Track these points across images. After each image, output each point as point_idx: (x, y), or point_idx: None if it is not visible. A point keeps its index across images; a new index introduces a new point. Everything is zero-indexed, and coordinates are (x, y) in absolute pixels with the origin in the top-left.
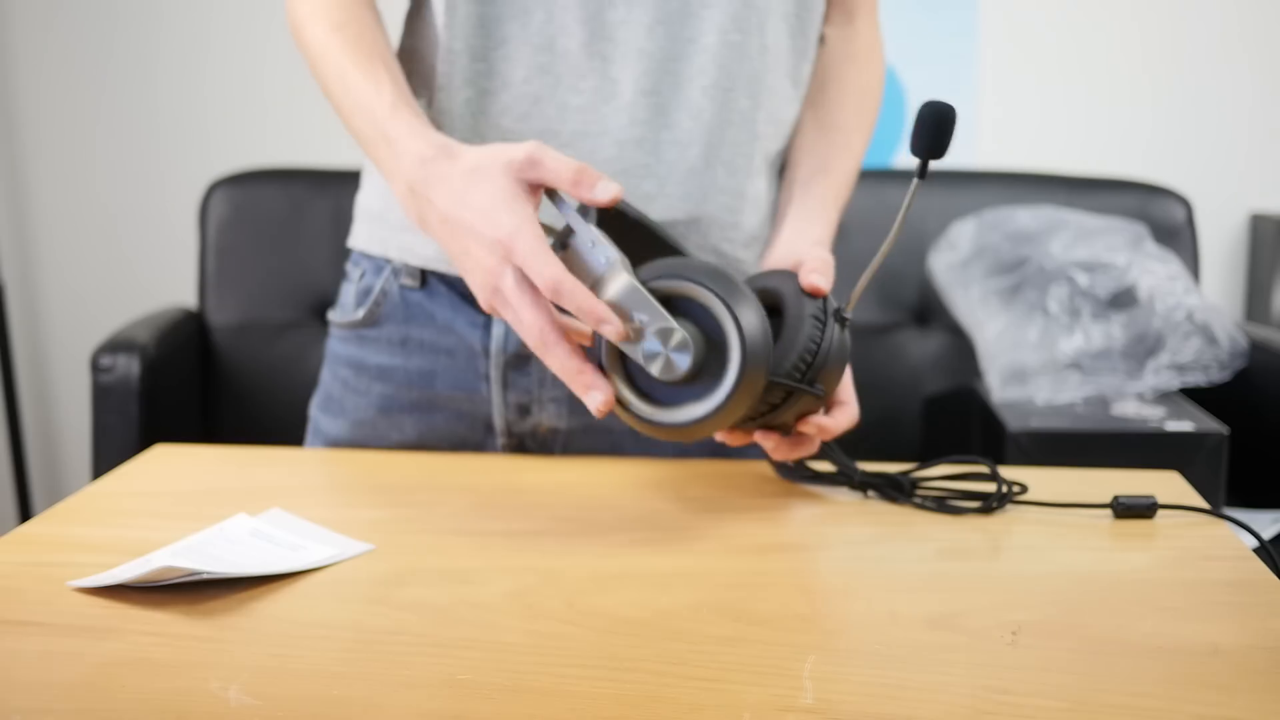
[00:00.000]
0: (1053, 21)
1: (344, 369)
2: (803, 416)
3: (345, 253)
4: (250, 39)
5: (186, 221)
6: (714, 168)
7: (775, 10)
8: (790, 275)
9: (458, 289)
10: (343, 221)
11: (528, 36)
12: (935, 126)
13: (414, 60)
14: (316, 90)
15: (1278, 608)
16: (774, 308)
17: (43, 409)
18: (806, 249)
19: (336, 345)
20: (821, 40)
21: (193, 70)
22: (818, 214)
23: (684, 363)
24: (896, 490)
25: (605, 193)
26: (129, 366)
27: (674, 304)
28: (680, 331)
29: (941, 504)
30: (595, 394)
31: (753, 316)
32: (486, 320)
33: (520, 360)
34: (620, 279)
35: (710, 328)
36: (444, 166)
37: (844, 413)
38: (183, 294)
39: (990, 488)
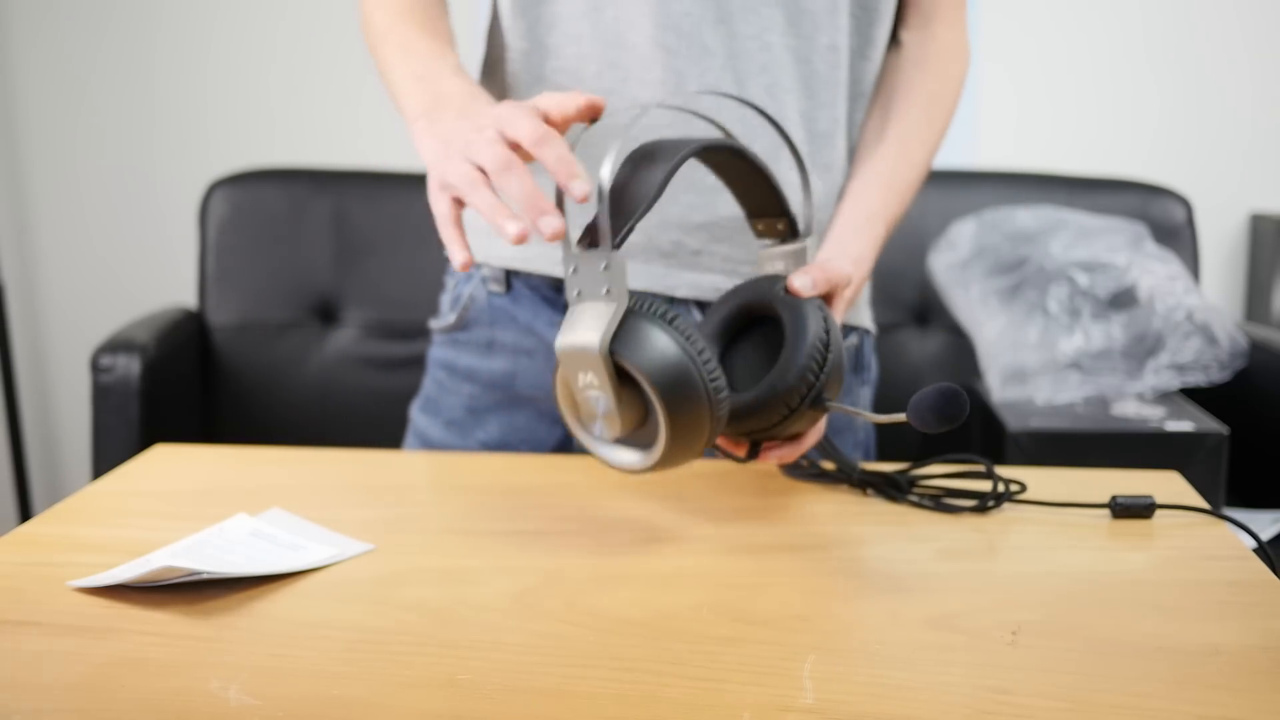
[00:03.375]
0: (1053, 21)
1: (440, 371)
2: (811, 423)
3: (345, 253)
4: (250, 39)
5: (186, 221)
6: (777, 163)
7: (841, 10)
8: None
9: (540, 291)
10: (343, 221)
11: (598, 33)
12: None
13: (494, 70)
14: (317, 90)
15: (1278, 608)
16: (774, 318)
17: (43, 409)
18: (844, 263)
19: (435, 350)
20: (899, 44)
21: (193, 70)
22: (862, 229)
23: (605, 435)
24: (894, 489)
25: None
26: (129, 366)
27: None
28: (608, 403)
29: (938, 502)
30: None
31: (682, 375)
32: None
33: None
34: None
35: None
36: (484, 105)
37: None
38: (183, 294)
39: (988, 486)
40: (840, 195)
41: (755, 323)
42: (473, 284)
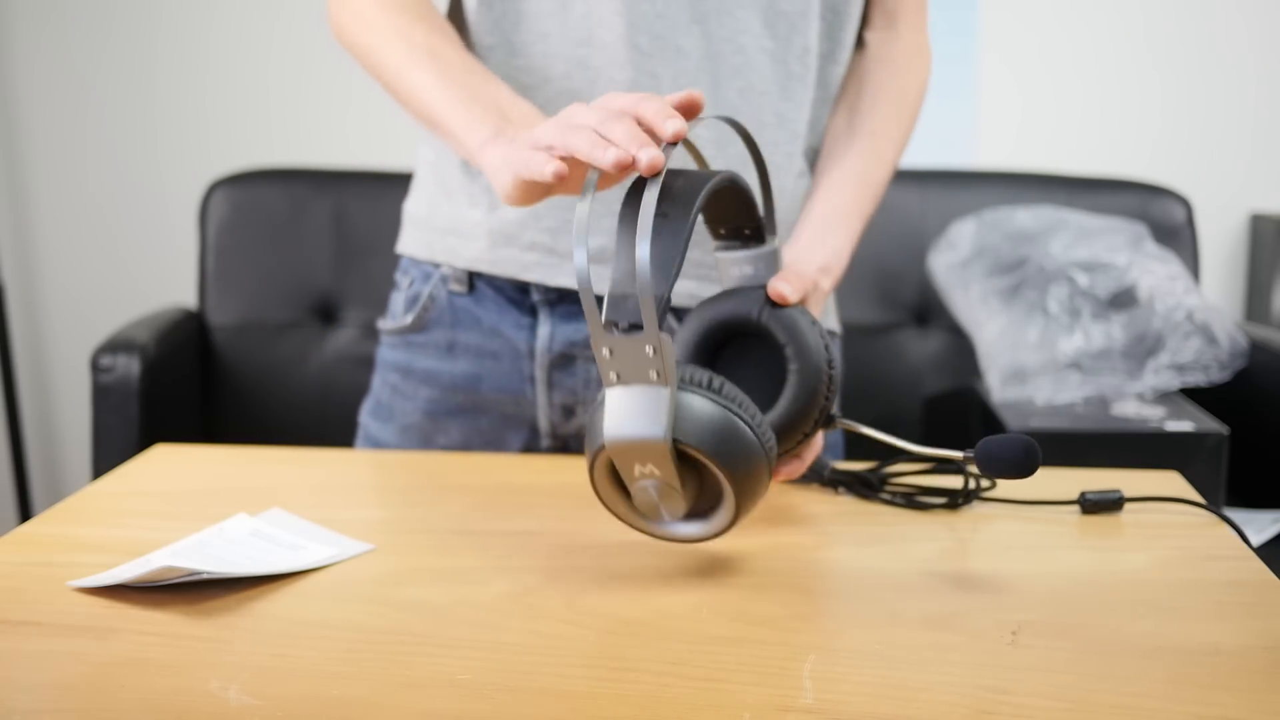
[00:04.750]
0: (1053, 21)
1: (393, 374)
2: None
3: (345, 253)
4: (250, 38)
5: (186, 221)
6: (745, 167)
7: (813, 12)
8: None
9: (505, 292)
10: (343, 221)
11: (567, 31)
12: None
13: None
14: (317, 90)
15: (1278, 608)
16: (764, 333)
17: (43, 409)
18: (820, 257)
19: (386, 352)
20: (863, 45)
21: (193, 70)
22: (839, 222)
23: (670, 518)
24: (865, 487)
25: (671, 129)
26: (129, 366)
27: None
28: (678, 495)
29: (910, 500)
30: (649, 150)
31: (748, 454)
32: (532, 322)
33: (565, 360)
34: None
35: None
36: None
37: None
38: (183, 294)
39: (958, 483)
40: (809, 192)
41: (741, 335)
42: (431, 283)
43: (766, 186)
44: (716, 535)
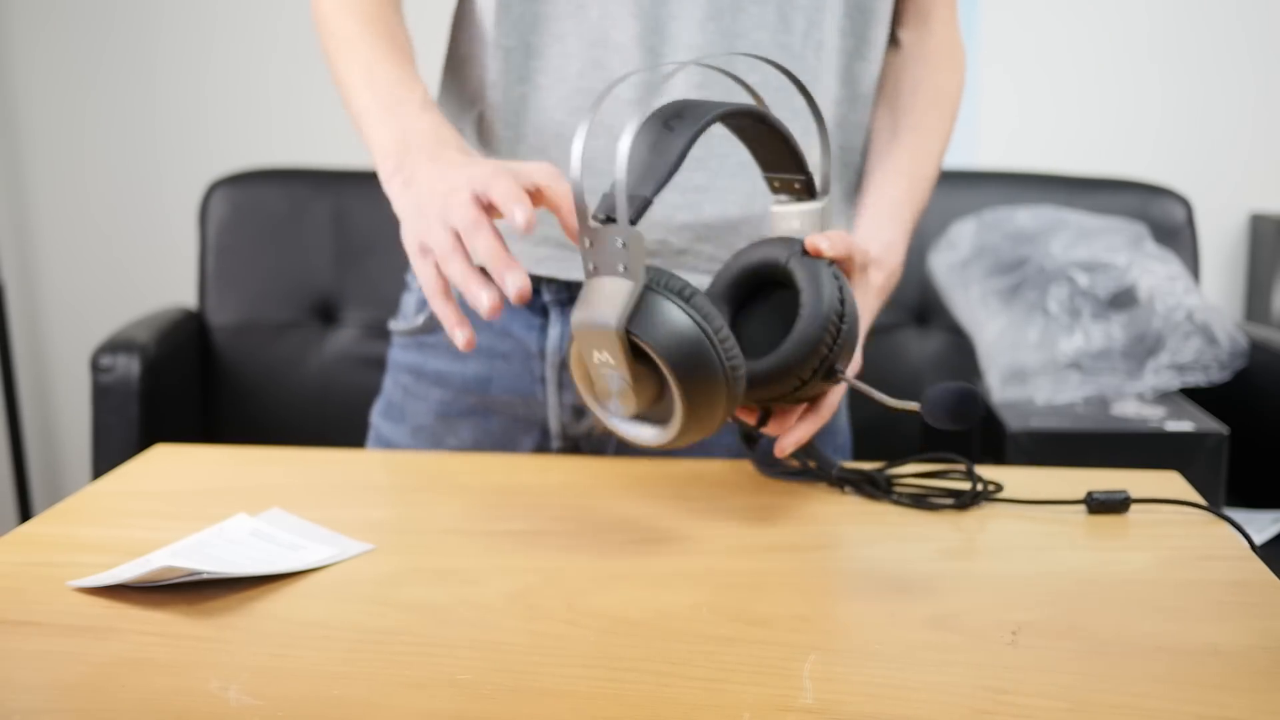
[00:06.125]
0: (1053, 21)
1: (404, 376)
2: (825, 394)
3: (345, 253)
4: (250, 39)
5: (186, 221)
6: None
7: (828, 9)
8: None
9: None
10: (343, 221)
11: (583, 32)
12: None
13: (465, 66)
14: (317, 90)
15: (1278, 608)
16: (787, 283)
17: (43, 409)
18: (873, 251)
19: (397, 353)
20: (898, 44)
21: (193, 70)
22: (890, 216)
23: (621, 412)
24: (873, 487)
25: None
26: (129, 366)
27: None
28: (624, 380)
29: (917, 501)
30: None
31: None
32: (543, 322)
33: None
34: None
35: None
36: (453, 153)
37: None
38: (183, 294)
39: (964, 485)
40: (861, 188)
41: (769, 284)
42: None
43: (824, 138)
44: (665, 444)
